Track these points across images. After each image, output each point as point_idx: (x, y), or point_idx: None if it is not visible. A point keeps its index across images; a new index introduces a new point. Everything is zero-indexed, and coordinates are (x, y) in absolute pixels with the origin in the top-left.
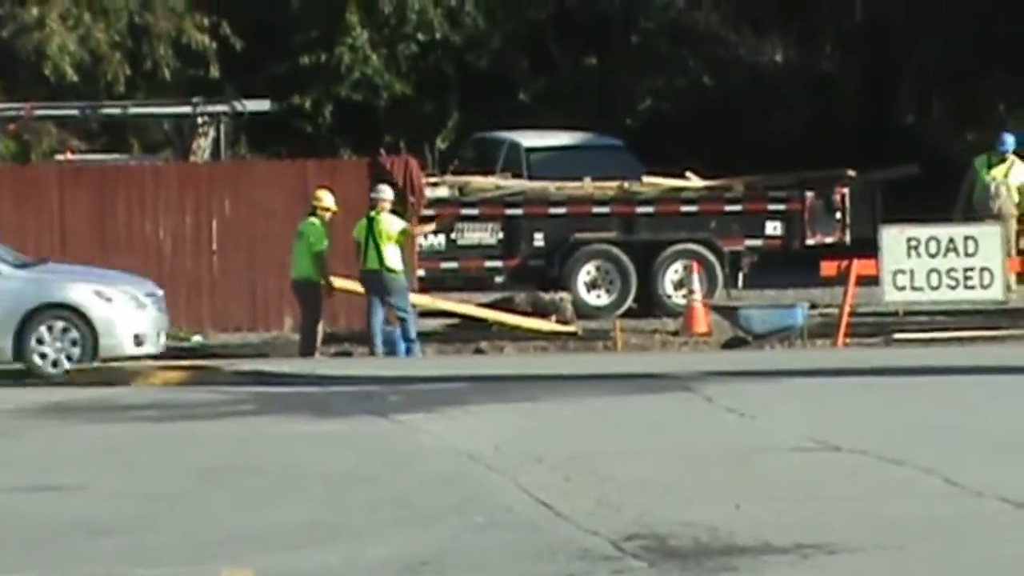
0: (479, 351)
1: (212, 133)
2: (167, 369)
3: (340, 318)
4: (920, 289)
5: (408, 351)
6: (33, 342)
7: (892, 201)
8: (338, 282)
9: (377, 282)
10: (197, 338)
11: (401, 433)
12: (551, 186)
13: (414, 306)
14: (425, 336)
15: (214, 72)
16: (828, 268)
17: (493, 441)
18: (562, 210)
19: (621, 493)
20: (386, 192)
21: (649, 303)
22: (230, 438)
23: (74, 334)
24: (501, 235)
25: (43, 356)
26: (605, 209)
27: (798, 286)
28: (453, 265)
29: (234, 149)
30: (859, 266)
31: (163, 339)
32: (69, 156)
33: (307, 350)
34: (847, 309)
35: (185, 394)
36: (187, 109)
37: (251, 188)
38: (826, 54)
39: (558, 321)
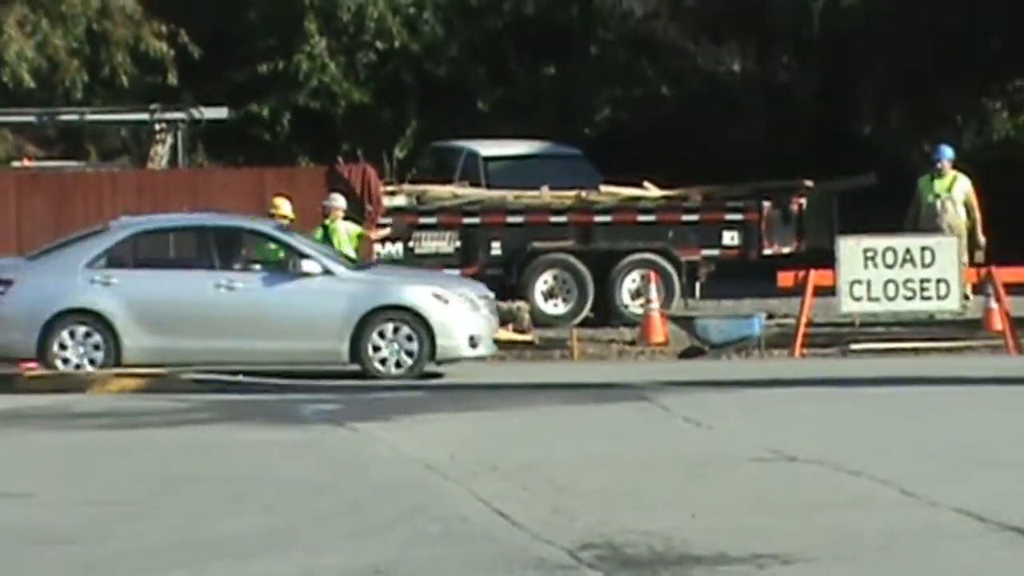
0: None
1: (170, 140)
2: (123, 376)
3: None
4: (877, 300)
5: None
6: (370, 344)
7: (849, 211)
8: None
9: None
10: None
11: (357, 442)
12: (509, 195)
13: None
14: None
15: (172, 79)
16: (785, 278)
17: (449, 450)
18: (520, 219)
19: (577, 502)
20: (338, 200)
21: (606, 312)
22: (186, 446)
23: (411, 336)
24: (459, 244)
25: (382, 360)
26: (563, 218)
27: (755, 296)
28: None
29: (191, 157)
30: (816, 276)
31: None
32: (26, 163)
33: None
34: (804, 319)
35: (141, 401)
36: (145, 116)
37: (209, 196)
38: (783, 64)
39: (515, 330)
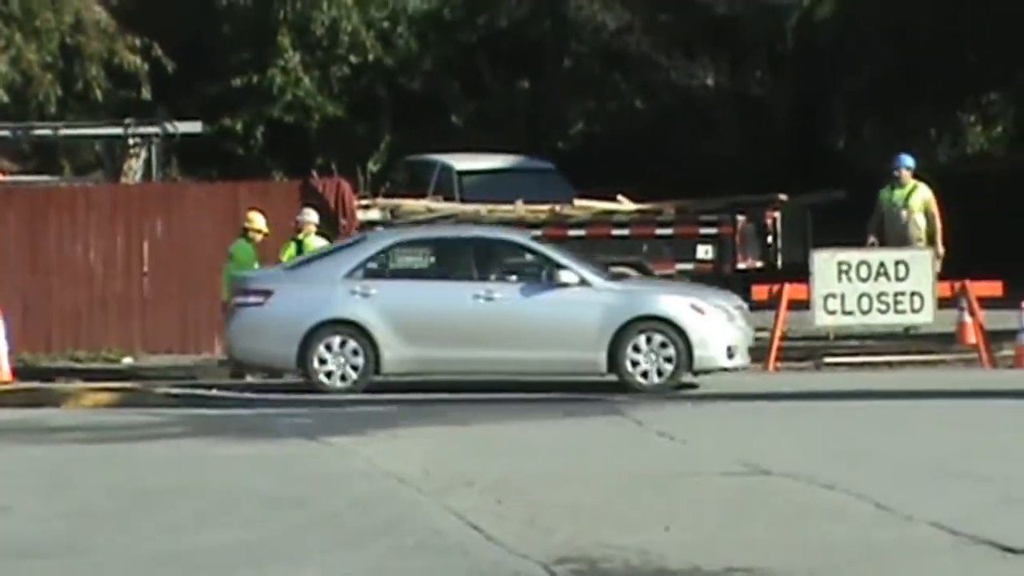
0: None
1: (144, 155)
2: (97, 391)
3: None
4: (851, 313)
5: None
6: (628, 354)
7: (823, 225)
8: None
9: None
10: (127, 360)
11: (331, 456)
12: (483, 209)
13: None
14: None
15: (146, 94)
16: (759, 292)
17: (423, 464)
18: None
19: (552, 516)
20: (311, 215)
21: None
22: (160, 460)
23: (669, 346)
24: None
25: (637, 367)
26: (537, 232)
27: None
28: None
29: (165, 171)
30: (790, 290)
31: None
32: (0, 178)
33: (237, 372)
34: (778, 333)
35: (115, 416)
36: (119, 131)
37: (183, 210)
38: (757, 78)
39: None
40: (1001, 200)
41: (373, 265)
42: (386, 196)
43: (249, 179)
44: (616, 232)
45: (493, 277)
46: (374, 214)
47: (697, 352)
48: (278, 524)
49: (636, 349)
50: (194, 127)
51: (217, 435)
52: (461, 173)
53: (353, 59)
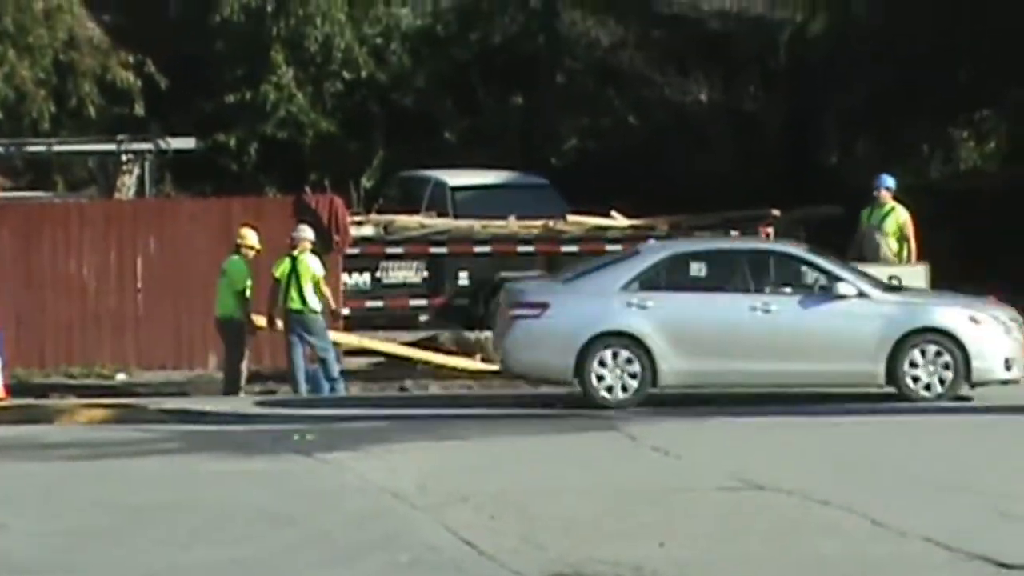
0: (403, 389)
1: (137, 171)
2: (91, 407)
3: (264, 356)
4: None
5: (331, 389)
6: (906, 366)
7: (816, 241)
8: (259, 320)
9: (298, 322)
10: (121, 376)
11: (325, 472)
12: (476, 225)
13: (337, 344)
14: (350, 374)
15: (139, 110)
16: None
17: (417, 480)
18: (487, 249)
19: (546, 532)
20: (307, 232)
21: None
22: (154, 476)
23: (946, 358)
24: (426, 274)
25: (915, 379)
26: (530, 248)
27: None
28: (378, 304)
29: (159, 187)
30: None
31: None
32: None
33: (231, 388)
34: None
35: (109, 432)
36: (112, 147)
37: (176, 226)
38: (750, 94)
39: (483, 360)
40: (994, 216)
41: (648, 277)
42: (379, 212)
43: (242, 195)
44: (610, 248)
45: (768, 289)
46: (367, 230)
47: (975, 364)
48: (272, 541)
49: (913, 362)
50: (187, 143)
51: (211, 451)
52: (454, 189)
53: (346, 75)
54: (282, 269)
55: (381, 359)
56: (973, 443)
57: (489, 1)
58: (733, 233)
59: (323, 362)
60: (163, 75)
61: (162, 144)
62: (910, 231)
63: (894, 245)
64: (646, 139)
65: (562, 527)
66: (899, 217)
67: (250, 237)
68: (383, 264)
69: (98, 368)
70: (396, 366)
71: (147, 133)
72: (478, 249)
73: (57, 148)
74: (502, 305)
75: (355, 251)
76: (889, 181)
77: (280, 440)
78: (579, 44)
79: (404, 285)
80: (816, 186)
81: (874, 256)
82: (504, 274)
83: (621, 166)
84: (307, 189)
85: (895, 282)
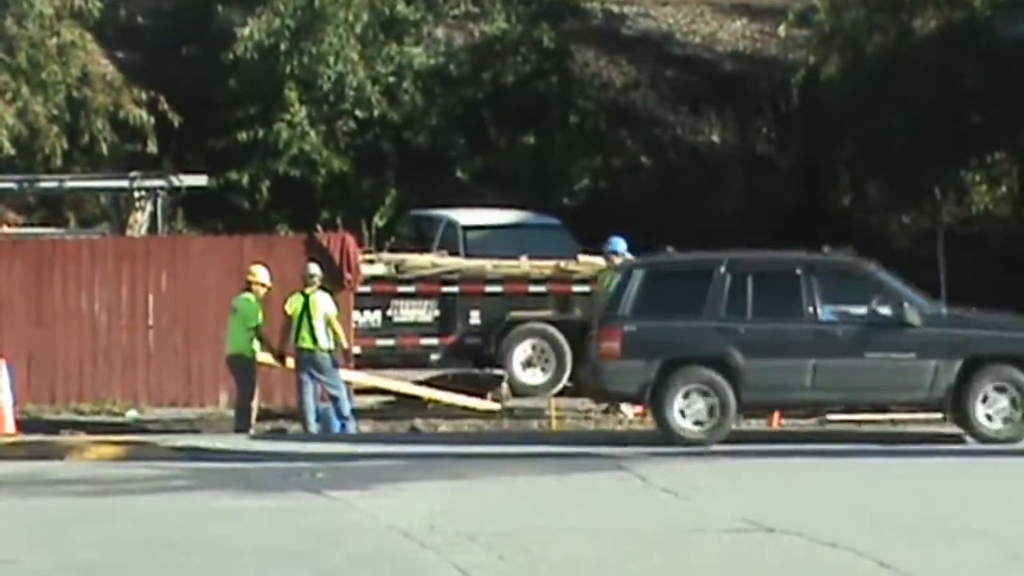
0: (414, 428)
1: (149, 208)
2: (101, 444)
3: (275, 394)
4: None
5: (342, 428)
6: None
7: None
8: (266, 359)
9: (309, 361)
10: (132, 413)
11: (335, 510)
12: (488, 264)
13: (348, 383)
14: (360, 413)
15: (151, 147)
16: None
17: (427, 519)
18: (498, 288)
19: (554, 572)
20: (316, 269)
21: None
22: (164, 513)
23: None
24: (437, 313)
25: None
26: (541, 288)
27: None
28: (389, 342)
29: (171, 224)
30: None
31: None
32: (6, 229)
33: (242, 426)
34: None
35: (119, 469)
36: (124, 183)
37: (187, 263)
38: (763, 136)
39: (493, 399)
40: (1005, 259)
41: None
42: (391, 251)
43: (254, 232)
44: None
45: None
46: (379, 268)
47: None
48: None
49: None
50: (199, 180)
51: (221, 488)
52: (466, 228)
53: (359, 114)
54: (295, 307)
55: (392, 398)
56: (985, 485)
57: (502, 41)
58: None
59: (334, 400)
60: (176, 112)
61: (174, 181)
62: None
63: None
64: (658, 179)
65: (570, 567)
66: None
67: (260, 274)
68: (394, 303)
69: (109, 405)
70: (407, 405)
71: (159, 170)
72: (489, 289)
73: (69, 184)
74: None
75: (366, 289)
76: (620, 245)
77: (290, 478)
78: (592, 84)
79: (415, 324)
80: (828, 227)
81: None
82: (515, 314)
83: (633, 206)
84: (319, 227)
85: None
